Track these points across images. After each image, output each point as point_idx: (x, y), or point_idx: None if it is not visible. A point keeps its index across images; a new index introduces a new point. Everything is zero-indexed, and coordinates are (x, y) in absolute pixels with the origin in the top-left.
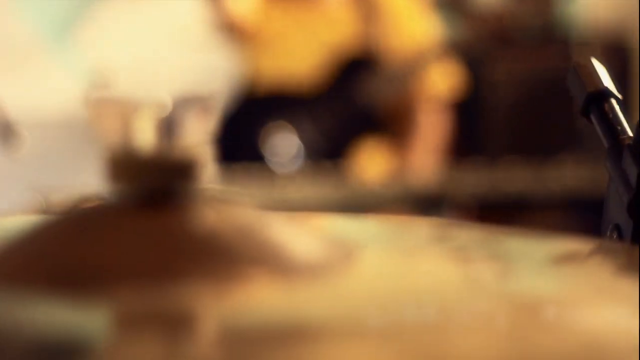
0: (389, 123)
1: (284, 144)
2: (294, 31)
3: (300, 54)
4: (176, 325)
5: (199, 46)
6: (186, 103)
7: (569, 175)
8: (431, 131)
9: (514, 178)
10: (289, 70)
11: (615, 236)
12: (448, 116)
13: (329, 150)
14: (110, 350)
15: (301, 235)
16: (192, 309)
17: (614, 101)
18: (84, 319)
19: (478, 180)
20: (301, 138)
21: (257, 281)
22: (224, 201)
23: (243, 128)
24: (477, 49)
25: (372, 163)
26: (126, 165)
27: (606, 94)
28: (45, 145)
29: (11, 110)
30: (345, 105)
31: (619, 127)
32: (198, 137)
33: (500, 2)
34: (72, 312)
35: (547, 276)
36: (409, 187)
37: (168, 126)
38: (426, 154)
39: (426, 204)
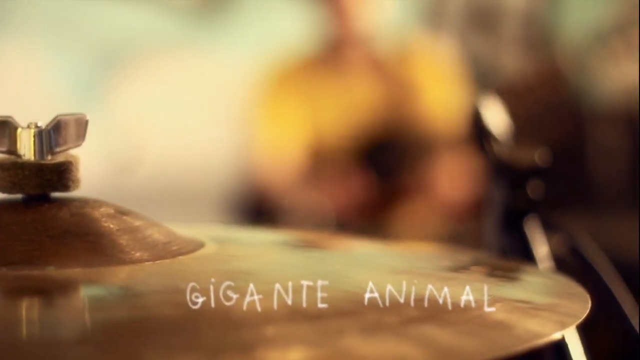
0: (413, 197)
1: (313, 209)
2: (322, 102)
3: (328, 122)
4: (51, 294)
5: (226, 114)
6: (61, 122)
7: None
8: (451, 198)
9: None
10: (317, 137)
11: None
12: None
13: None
14: None
15: (158, 230)
16: (63, 282)
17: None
18: None
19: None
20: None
21: (117, 260)
22: (93, 202)
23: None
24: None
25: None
26: (11, 173)
27: (488, 133)
28: None
29: None
30: (372, 178)
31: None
32: (72, 151)
33: (521, 75)
34: None
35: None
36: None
37: (45, 141)
38: (447, 212)
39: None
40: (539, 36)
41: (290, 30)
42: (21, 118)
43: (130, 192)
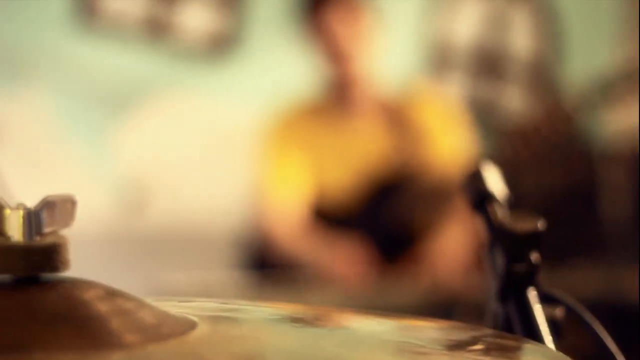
0: (421, 239)
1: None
2: (327, 148)
3: (333, 169)
4: None
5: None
6: (49, 203)
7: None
8: (459, 245)
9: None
10: (322, 185)
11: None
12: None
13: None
14: None
15: (150, 311)
16: None
17: (498, 202)
18: None
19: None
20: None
21: (107, 345)
22: (82, 284)
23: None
24: (508, 164)
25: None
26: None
27: (490, 197)
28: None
29: None
30: (378, 225)
31: (497, 225)
32: (59, 231)
33: (527, 118)
34: None
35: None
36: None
37: (34, 222)
38: (451, 264)
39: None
40: (545, 79)
41: (294, 76)
42: (30, 163)
43: (138, 235)
